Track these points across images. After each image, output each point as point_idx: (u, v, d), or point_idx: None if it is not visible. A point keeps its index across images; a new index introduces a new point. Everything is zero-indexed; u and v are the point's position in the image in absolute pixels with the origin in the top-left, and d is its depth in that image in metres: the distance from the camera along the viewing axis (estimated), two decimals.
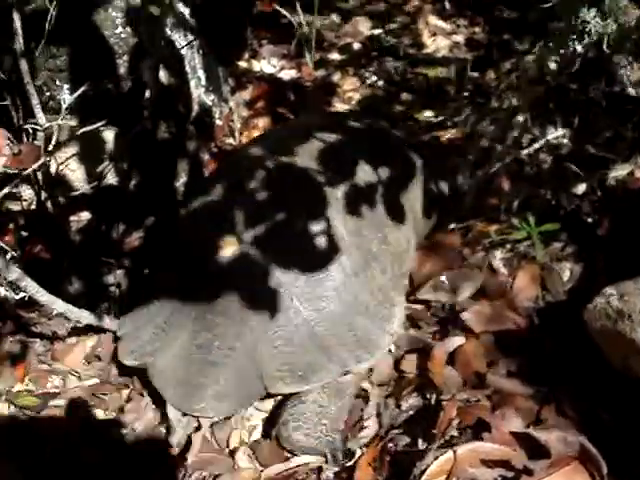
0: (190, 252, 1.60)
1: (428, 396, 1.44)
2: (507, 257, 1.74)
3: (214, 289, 1.51)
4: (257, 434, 1.51)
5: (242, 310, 1.48)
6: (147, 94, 1.62)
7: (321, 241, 1.51)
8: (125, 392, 1.62)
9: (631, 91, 1.85)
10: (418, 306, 1.69)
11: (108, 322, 1.64)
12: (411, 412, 1.44)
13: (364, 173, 1.64)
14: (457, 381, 1.44)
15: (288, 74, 2.57)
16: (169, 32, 1.97)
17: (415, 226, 1.72)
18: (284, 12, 2.59)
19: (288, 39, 2.68)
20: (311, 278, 1.49)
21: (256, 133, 2.24)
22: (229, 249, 1.51)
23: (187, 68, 2.06)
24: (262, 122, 2.34)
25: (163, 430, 1.52)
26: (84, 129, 1.54)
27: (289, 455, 1.43)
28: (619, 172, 1.85)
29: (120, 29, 1.81)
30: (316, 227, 1.52)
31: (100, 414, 1.58)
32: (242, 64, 2.59)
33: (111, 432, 1.53)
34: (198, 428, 1.49)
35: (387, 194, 1.64)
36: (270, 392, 1.50)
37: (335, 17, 2.90)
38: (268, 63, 2.62)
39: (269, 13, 2.80)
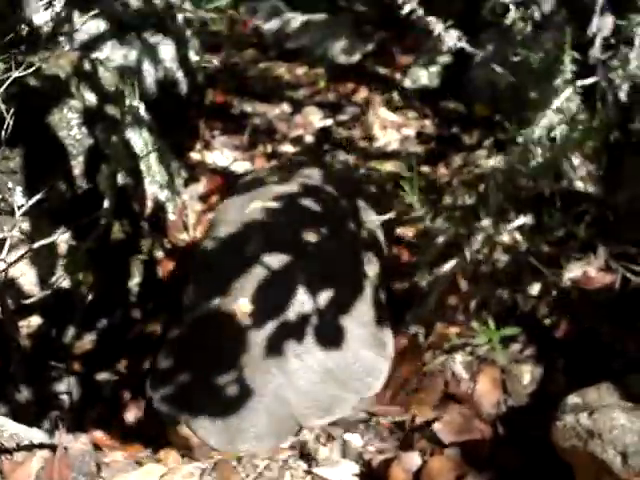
0: (209, 317, 1.76)
1: None
2: (467, 360, 1.73)
3: (234, 346, 1.68)
4: None
5: (262, 362, 1.66)
6: (106, 204, 1.58)
7: (322, 294, 1.74)
8: None
9: (579, 185, 1.89)
10: (381, 417, 1.65)
11: (59, 438, 1.55)
12: None
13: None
14: None
15: (241, 166, 2.56)
16: (125, 131, 1.95)
17: None
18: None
19: (241, 130, 2.69)
20: (316, 324, 1.70)
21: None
22: (244, 312, 1.69)
23: (142, 167, 2.04)
24: None
25: None
26: (39, 243, 1.47)
27: None
28: (573, 272, 1.87)
29: (75, 130, 1.78)
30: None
31: None
32: (195, 155, 2.57)
33: None
34: None
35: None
36: (304, 426, 1.66)
37: (286, 107, 2.92)
38: (221, 154, 2.60)
39: (221, 104, 2.82)
